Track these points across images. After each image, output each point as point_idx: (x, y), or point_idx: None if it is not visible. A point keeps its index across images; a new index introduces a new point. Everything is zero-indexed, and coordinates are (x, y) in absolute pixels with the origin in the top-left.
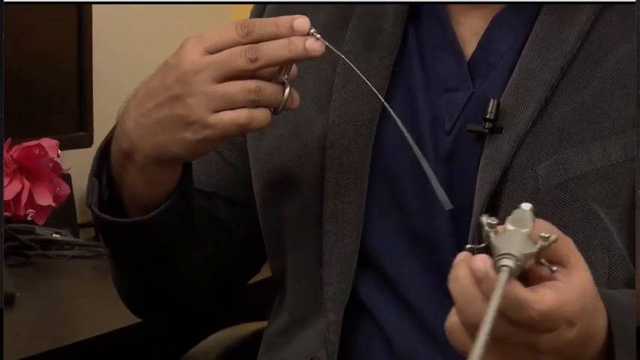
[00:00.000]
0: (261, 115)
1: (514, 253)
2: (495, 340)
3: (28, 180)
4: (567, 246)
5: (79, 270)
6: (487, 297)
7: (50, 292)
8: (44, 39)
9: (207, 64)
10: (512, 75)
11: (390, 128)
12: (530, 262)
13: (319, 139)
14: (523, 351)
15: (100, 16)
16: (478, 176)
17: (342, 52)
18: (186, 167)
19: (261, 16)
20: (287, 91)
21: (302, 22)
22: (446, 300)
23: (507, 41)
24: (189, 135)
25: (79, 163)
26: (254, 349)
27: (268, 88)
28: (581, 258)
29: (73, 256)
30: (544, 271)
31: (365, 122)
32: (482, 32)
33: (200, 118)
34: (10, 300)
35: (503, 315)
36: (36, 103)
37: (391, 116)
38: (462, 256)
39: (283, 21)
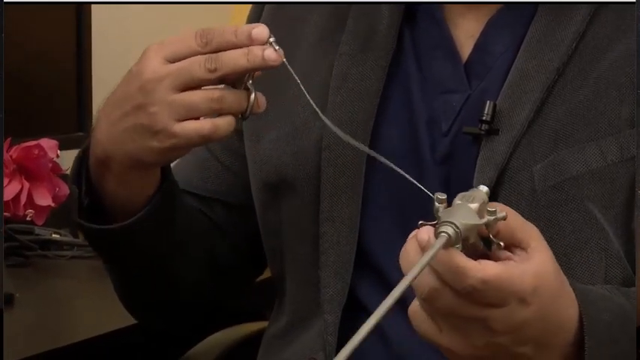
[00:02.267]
0: (225, 123)
1: (455, 222)
2: (445, 314)
3: (27, 180)
4: (528, 230)
5: (78, 270)
6: (434, 268)
7: (49, 292)
8: (44, 39)
9: (168, 73)
10: (508, 77)
11: (388, 128)
12: (480, 243)
13: (316, 141)
14: (477, 328)
15: (99, 16)
16: (474, 178)
17: (339, 54)
18: (166, 170)
19: (259, 16)
20: (252, 96)
21: (260, 31)
22: None
23: (503, 43)
24: (155, 144)
25: None
26: (253, 350)
27: (231, 96)
28: (544, 243)
29: (73, 257)
30: (502, 255)
31: (361, 123)
32: (478, 34)
33: (164, 127)
34: (9, 300)
35: (448, 285)
36: (35, 103)
37: (390, 116)
38: (413, 233)
39: (242, 30)
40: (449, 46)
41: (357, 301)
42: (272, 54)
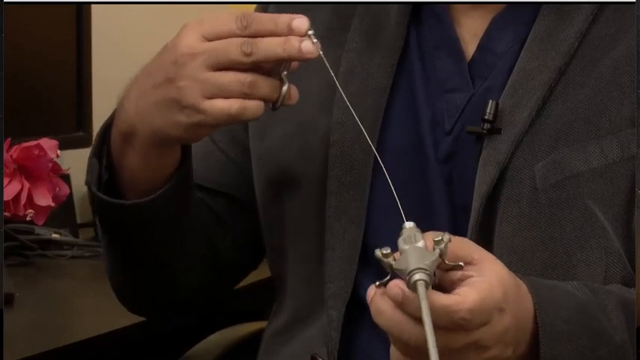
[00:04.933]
0: (254, 106)
1: (421, 265)
2: (442, 355)
3: (27, 180)
4: (465, 245)
5: (78, 270)
6: (415, 316)
7: (49, 292)
8: (43, 39)
9: (203, 50)
10: (511, 76)
11: (394, 125)
12: (439, 273)
13: (323, 137)
14: (472, 352)
15: (99, 15)
16: (477, 176)
17: (346, 51)
18: (186, 152)
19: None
20: (285, 87)
21: (301, 22)
22: None
23: (506, 42)
24: (183, 118)
25: (78, 163)
26: (253, 349)
27: (263, 83)
28: (484, 250)
29: (73, 256)
30: (455, 275)
31: (368, 120)
32: (482, 33)
33: (193, 103)
34: (9, 300)
35: (438, 327)
36: (35, 103)
37: (395, 114)
38: (371, 291)
39: (282, 19)
40: (453, 45)
41: (359, 297)
42: (309, 46)
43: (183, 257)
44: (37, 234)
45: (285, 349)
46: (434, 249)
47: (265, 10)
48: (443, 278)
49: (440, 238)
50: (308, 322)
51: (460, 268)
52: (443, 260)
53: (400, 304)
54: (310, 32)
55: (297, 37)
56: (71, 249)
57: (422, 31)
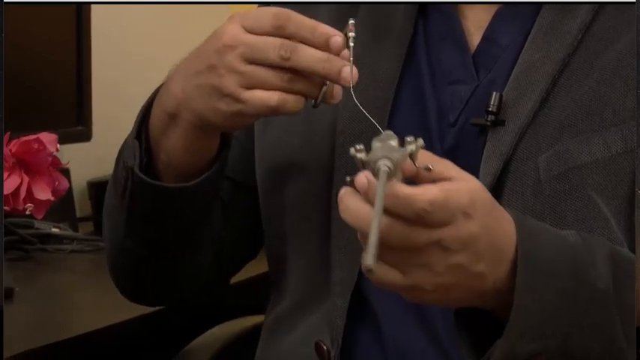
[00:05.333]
0: (294, 100)
1: (387, 155)
2: (403, 249)
3: (26, 174)
4: (447, 164)
5: (77, 264)
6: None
7: (49, 286)
8: (43, 33)
9: (243, 42)
10: (515, 68)
11: (402, 117)
12: (410, 170)
13: (329, 125)
14: (435, 253)
15: (98, 10)
16: (481, 168)
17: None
18: (225, 138)
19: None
20: (325, 86)
21: (339, 41)
22: None
23: (511, 34)
24: (223, 106)
25: (77, 157)
26: (253, 343)
27: (302, 81)
28: (465, 172)
29: (72, 251)
30: (427, 180)
31: (377, 110)
32: (486, 25)
33: (232, 92)
34: (9, 294)
35: (399, 217)
36: (34, 97)
37: (403, 106)
38: (342, 192)
39: (321, 31)
40: (458, 37)
41: (363, 286)
42: (348, 76)
43: (199, 242)
44: (37, 228)
45: (289, 336)
46: (406, 147)
47: None
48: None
49: (412, 139)
50: (311, 310)
51: (429, 170)
52: (413, 162)
53: (365, 194)
54: (349, 53)
55: (339, 60)
56: (71, 243)
57: (428, 22)
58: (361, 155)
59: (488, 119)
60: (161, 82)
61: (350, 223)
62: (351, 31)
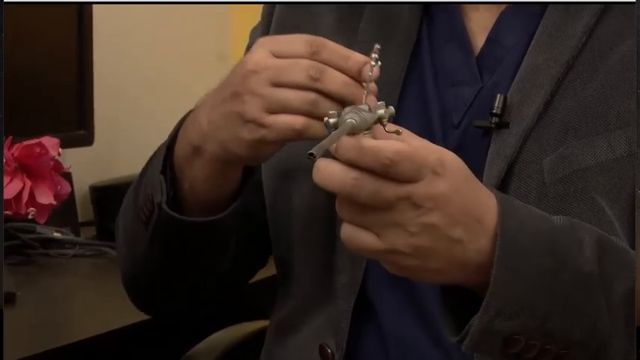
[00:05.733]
0: (318, 126)
1: (355, 111)
2: (376, 208)
3: (29, 178)
4: (416, 136)
5: (79, 269)
6: (354, 164)
7: (51, 290)
8: (45, 37)
9: (268, 66)
10: (519, 70)
11: (405, 118)
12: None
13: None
14: (406, 210)
15: (100, 14)
16: (485, 170)
17: (356, 42)
18: (247, 171)
19: (272, 13)
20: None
21: (372, 71)
22: None
23: (515, 36)
24: (246, 134)
25: (79, 161)
26: (255, 348)
27: (327, 104)
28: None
29: (74, 255)
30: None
31: None
32: (491, 26)
33: (255, 117)
34: (10, 299)
35: (366, 170)
36: (36, 101)
37: (407, 107)
38: (317, 161)
39: (355, 59)
40: (462, 39)
41: (368, 289)
42: (374, 103)
43: (219, 264)
44: (39, 233)
45: (293, 339)
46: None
47: (273, 9)
48: None
49: (383, 103)
50: (316, 312)
51: (399, 134)
52: (382, 125)
53: (336, 152)
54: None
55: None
56: (73, 248)
57: (432, 24)
58: (333, 120)
59: (493, 121)
60: (164, 87)
61: (320, 184)
62: (374, 53)
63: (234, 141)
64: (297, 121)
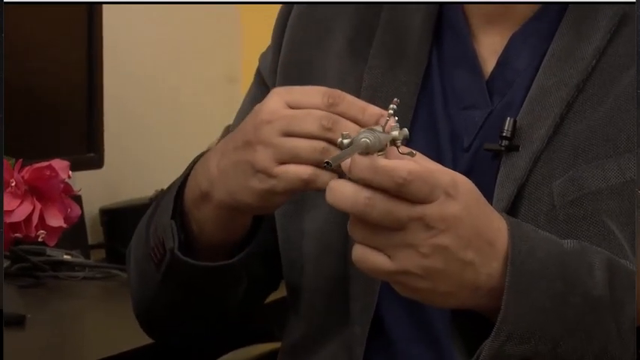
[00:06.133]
0: (327, 176)
1: (369, 132)
2: (388, 228)
3: (39, 201)
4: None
5: (89, 291)
6: (367, 183)
7: (61, 313)
8: (55, 60)
9: (281, 116)
10: (529, 93)
11: (415, 141)
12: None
13: None
14: (418, 231)
15: (111, 35)
16: (495, 193)
17: (369, 67)
18: (258, 217)
19: (282, 37)
20: None
21: (391, 122)
22: None
23: (525, 58)
24: (255, 183)
25: (89, 184)
26: None
27: (337, 153)
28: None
29: (84, 278)
30: None
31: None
32: (501, 50)
33: (266, 167)
34: (20, 321)
35: (379, 189)
36: (47, 124)
37: (417, 131)
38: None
39: (371, 111)
40: (472, 62)
41: (382, 314)
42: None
43: (232, 298)
44: (49, 255)
45: None
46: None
47: (290, 10)
48: None
49: (397, 125)
50: (330, 337)
51: (413, 155)
52: (396, 147)
53: (349, 171)
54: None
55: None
56: (82, 270)
57: (442, 48)
58: (347, 141)
59: (502, 144)
60: (174, 110)
61: (333, 204)
62: (393, 104)
63: (243, 190)
64: (305, 171)
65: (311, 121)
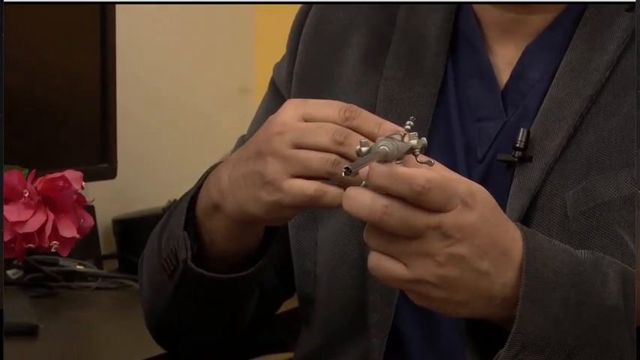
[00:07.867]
0: (334, 192)
1: (388, 140)
2: (405, 236)
3: (52, 212)
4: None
5: (102, 301)
6: (380, 186)
7: (73, 323)
8: (68, 71)
9: (294, 128)
10: (543, 104)
11: (429, 152)
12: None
13: None
14: (435, 239)
15: (123, 46)
16: (508, 203)
17: (384, 78)
18: (271, 228)
19: (297, 47)
20: None
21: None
22: None
23: (539, 70)
24: (264, 195)
25: (102, 194)
26: None
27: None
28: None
29: (97, 288)
30: None
31: None
32: (515, 61)
33: (274, 179)
34: (33, 331)
35: (396, 197)
36: (60, 135)
37: (432, 142)
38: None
39: (387, 127)
40: (486, 74)
41: (399, 325)
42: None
43: (246, 309)
44: (62, 265)
45: None
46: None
47: (308, 10)
48: None
49: (415, 134)
50: (344, 348)
51: (431, 165)
52: (415, 156)
53: (368, 179)
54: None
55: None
56: (95, 280)
57: (457, 60)
58: (365, 149)
59: (516, 155)
60: (186, 120)
61: (350, 211)
62: (410, 121)
63: (252, 201)
64: (310, 186)
65: (323, 134)
